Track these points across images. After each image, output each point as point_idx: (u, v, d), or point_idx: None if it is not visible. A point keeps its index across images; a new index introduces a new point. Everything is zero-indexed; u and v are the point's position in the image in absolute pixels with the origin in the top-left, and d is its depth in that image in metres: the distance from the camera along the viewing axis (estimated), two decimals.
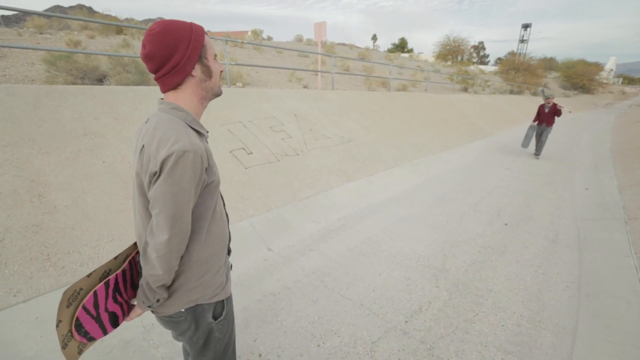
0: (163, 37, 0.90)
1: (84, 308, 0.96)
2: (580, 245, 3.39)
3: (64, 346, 0.96)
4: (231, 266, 1.29)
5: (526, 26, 45.69)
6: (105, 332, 1.05)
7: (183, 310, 1.08)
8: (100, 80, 5.25)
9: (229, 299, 1.21)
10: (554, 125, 7.97)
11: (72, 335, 0.96)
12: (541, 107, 7.70)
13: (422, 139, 7.40)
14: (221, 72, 1.06)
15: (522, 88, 23.74)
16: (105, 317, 1.02)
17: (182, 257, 1.01)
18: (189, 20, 0.99)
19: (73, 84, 4.82)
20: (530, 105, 18.53)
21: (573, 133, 12.50)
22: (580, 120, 17.72)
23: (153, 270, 0.96)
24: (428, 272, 2.86)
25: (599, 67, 41.60)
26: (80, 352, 1.01)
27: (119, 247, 2.51)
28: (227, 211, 3.23)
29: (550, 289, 2.65)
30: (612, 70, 61.20)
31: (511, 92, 21.74)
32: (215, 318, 1.15)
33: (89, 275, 0.99)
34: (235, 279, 2.64)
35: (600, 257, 3.09)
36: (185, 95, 0.99)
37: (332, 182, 4.51)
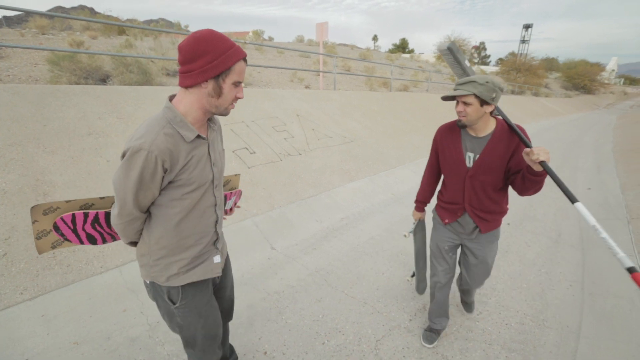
0: (196, 43, 0.98)
1: (62, 219, 1.15)
2: (584, 245, 3.39)
3: (38, 237, 1.13)
4: (222, 269, 1.35)
5: (527, 26, 45.75)
6: (80, 242, 1.23)
7: (148, 281, 1.23)
8: (104, 80, 5.27)
9: (191, 290, 1.24)
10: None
11: (49, 232, 1.15)
12: (443, 135, 1.77)
13: (424, 138, 7.40)
14: (238, 98, 1.11)
15: (523, 89, 23.73)
16: (82, 234, 1.22)
17: (145, 234, 1.15)
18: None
19: (77, 83, 4.84)
20: (532, 105, 18.51)
21: (575, 135, 12.47)
22: (582, 121, 17.69)
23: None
24: None
25: (600, 67, 41.56)
26: (53, 247, 1.19)
27: (124, 244, 2.52)
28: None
29: (554, 288, 2.65)
30: (613, 70, 61.09)
31: (512, 92, 21.73)
32: (173, 302, 1.22)
33: (67, 201, 1.16)
34: (240, 278, 2.64)
35: (603, 257, 3.09)
36: (189, 99, 1.06)
37: (335, 181, 4.51)
